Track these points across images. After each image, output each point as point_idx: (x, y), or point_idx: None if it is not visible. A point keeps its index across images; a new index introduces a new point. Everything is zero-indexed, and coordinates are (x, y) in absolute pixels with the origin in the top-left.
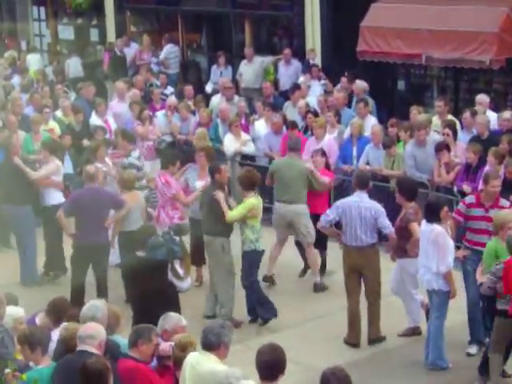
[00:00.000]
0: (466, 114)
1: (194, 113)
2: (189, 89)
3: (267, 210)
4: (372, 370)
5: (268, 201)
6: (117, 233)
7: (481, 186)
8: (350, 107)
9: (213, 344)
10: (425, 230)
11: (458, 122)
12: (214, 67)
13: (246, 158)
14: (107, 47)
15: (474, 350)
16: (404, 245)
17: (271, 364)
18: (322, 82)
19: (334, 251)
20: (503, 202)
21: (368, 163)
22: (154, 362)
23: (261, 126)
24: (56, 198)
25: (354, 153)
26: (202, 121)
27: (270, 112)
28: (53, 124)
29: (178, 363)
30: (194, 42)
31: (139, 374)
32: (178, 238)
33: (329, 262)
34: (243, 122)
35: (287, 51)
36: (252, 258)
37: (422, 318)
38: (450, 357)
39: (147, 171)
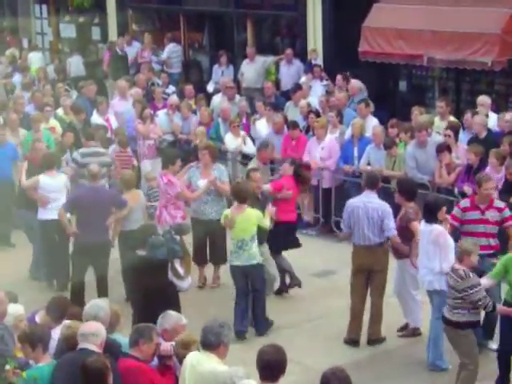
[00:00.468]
0: (468, 116)
1: (195, 112)
2: (189, 88)
3: None
4: (372, 370)
5: None
6: (117, 232)
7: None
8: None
9: (212, 344)
10: (424, 231)
11: (460, 124)
12: (216, 67)
13: (247, 158)
14: (108, 46)
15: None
16: (407, 244)
17: (272, 364)
18: (324, 82)
19: (335, 252)
20: (498, 202)
21: (369, 164)
22: (155, 362)
23: (262, 126)
24: (48, 213)
25: (355, 153)
26: (203, 120)
27: (271, 112)
28: (54, 122)
29: (182, 361)
30: (195, 41)
31: (141, 373)
32: (178, 238)
33: (329, 262)
34: (244, 121)
35: (289, 51)
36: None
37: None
38: (450, 358)
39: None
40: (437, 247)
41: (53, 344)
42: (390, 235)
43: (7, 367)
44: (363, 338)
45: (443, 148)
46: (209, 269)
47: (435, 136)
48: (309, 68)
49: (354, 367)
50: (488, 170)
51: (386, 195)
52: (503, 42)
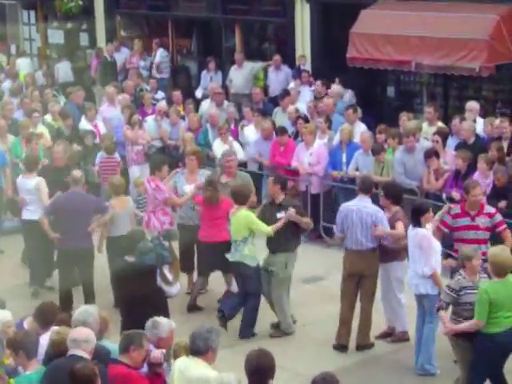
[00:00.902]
0: (456, 121)
1: (183, 118)
2: (177, 94)
3: None
4: (362, 376)
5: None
6: (104, 238)
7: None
8: None
9: (200, 349)
10: (410, 234)
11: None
12: (204, 72)
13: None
14: (96, 52)
15: None
16: (392, 249)
17: (261, 369)
18: (313, 87)
19: (324, 257)
20: (488, 208)
21: (357, 169)
22: (145, 368)
23: (250, 132)
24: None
25: (344, 159)
26: (192, 126)
27: (259, 118)
28: (42, 128)
29: None
30: (184, 47)
31: (131, 380)
32: (167, 243)
33: (318, 267)
34: (233, 127)
35: (277, 57)
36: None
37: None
38: (438, 363)
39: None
40: (421, 251)
41: (41, 351)
42: (386, 243)
43: None
44: (352, 344)
45: (431, 154)
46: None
47: (423, 142)
48: (297, 74)
49: (343, 373)
50: (476, 175)
51: (374, 201)
52: (491, 48)
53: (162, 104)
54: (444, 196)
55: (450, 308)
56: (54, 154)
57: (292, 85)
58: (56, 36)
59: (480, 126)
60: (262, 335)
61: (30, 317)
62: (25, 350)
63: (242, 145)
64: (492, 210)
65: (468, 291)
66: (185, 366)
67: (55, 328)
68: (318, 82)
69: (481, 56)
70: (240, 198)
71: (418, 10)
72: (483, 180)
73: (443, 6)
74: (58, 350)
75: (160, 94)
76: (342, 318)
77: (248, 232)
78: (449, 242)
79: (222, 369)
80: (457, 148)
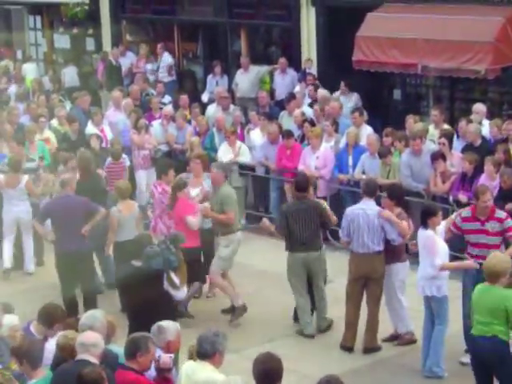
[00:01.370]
0: (462, 124)
1: (189, 122)
2: (184, 98)
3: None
4: (369, 378)
5: (263, 210)
6: (112, 242)
7: None
8: None
9: (208, 353)
10: (419, 236)
11: (454, 132)
12: (210, 77)
13: (244, 168)
14: (101, 56)
15: (467, 359)
16: (394, 250)
17: (269, 372)
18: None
19: (331, 261)
20: (499, 213)
21: (364, 172)
22: (153, 372)
23: (256, 136)
24: None
25: (350, 162)
26: (200, 129)
27: (265, 121)
28: (48, 133)
29: None
30: (189, 51)
31: None
32: (173, 248)
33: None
34: (239, 131)
35: (283, 60)
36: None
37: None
38: (445, 366)
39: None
40: (426, 251)
41: (48, 355)
42: (395, 237)
43: None
44: (360, 347)
45: (438, 156)
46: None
47: (429, 144)
48: (303, 77)
49: (351, 375)
50: (483, 177)
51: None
52: (496, 51)
53: (169, 108)
54: (451, 199)
55: None
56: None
57: (298, 88)
58: (62, 41)
59: (487, 128)
60: (270, 338)
61: (36, 320)
62: (29, 360)
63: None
64: (503, 215)
65: None
66: (192, 369)
67: (63, 332)
68: (311, 87)
69: (486, 58)
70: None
71: (423, 13)
72: (490, 182)
73: (449, 9)
74: (66, 355)
75: (167, 98)
76: (347, 321)
77: None
78: (457, 246)
79: (229, 373)
80: (463, 150)
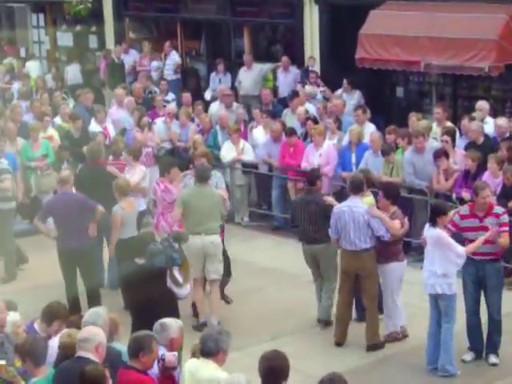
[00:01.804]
0: (465, 121)
1: (192, 120)
2: (187, 96)
3: (267, 217)
4: (373, 376)
5: (266, 207)
6: (115, 239)
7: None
8: None
9: (211, 351)
10: (427, 234)
11: (456, 129)
12: (213, 74)
13: (247, 166)
14: (104, 54)
15: (468, 357)
16: (390, 249)
17: (275, 370)
18: (321, 89)
19: None
20: (497, 209)
21: None
22: (156, 370)
23: (259, 134)
24: None
25: (353, 159)
26: (204, 127)
27: (268, 119)
28: (52, 131)
29: None
30: (193, 49)
31: None
32: (176, 245)
33: None
34: (242, 129)
35: (285, 59)
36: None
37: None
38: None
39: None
40: (441, 248)
41: (51, 352)
42: (383, 234)
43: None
44: (363, 344)
45: (441, 154)
46: None
47: (432, 142)
48: (305, 75)
49: (354, 374)
50: (486, 175)
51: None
52: (500, 48)
53: (172, 106)
54: (454, 196)
55: None
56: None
57: (300, 86)
58: (65, 39)
59: (490, 125)
60: (273, 336)
61: (39, 318)
62: (32, 358)
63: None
64: (500, 210)
65: None
66: (195, 367)
67: (66, 331)
68: (299, 86)
69: (490, 56)
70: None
71: (426, 11)
72: (493, 180)
73: (452, 7)
74: (67, 353)
75: (170, 96)
76: (337, 317)
77: None
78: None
79: (233, 371)
80: (466, 148)
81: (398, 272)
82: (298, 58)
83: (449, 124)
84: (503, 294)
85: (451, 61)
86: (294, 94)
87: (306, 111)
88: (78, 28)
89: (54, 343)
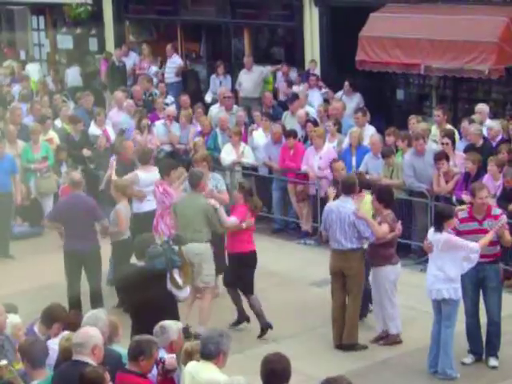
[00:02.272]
0: (465, 124)
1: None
2: (184, 99)
3: (267, 219)
4: (372, 379)
5: (266, 210)
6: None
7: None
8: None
9: (212, 353)
10: (433, 239)
11: (456, 132)
12: (213, 77)
13: (248, 168)
14: (104, 56)
15: (468, 359)
16: (382, 253)
17: (277, 373)
18: (323, 90)
19: None
20: (495, 210)
21: (367, 172)
22: (154, 372)
23: (259, 136)
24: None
25: (353, 162)
26: (204, 129)
27: (267, 122)
28: (52, 133)
29: None
30: (193, 51)
31: None
32: (176, 248)
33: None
34: (242, 131)
35: (285, 68)
36: None
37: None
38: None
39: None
40: (447, 254)
41: (51, 354)
42: (368, 235)
43: (2, 362)
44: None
45: (441, 156)
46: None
47: (431, 144)
48: (306, 78)
49: (354, 376)
50: (486, 177)
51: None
52: (500, 51)
53: (171, 108)
54: (454, 199)
55: None
56: (123, 149)
57: (301, 88)
58: (65, 41)
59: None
60: (274, 339)
61: (39, 320)
62: (29, 360)
63: (251, 149)
64: (498, 211)
65: None
66: (195, 370)
67: (65, 334)
68: (284, 85)
69: (490, 58)
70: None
71: (426, 13)
72: (493, 182)
73: (452, 9)
74: (64, 356)
75: (169, 99)
76: (332, 318)
77: None
78: None
79: (233, 373)
80: (465, 150)
81: (391, 275)
82: (298, 60)
83: (448, 126)
84: (503, 296)
85: (451, 63)
86: (295, 96)
87: (307, 114)
88: (78, 31)
89: (53, 345)
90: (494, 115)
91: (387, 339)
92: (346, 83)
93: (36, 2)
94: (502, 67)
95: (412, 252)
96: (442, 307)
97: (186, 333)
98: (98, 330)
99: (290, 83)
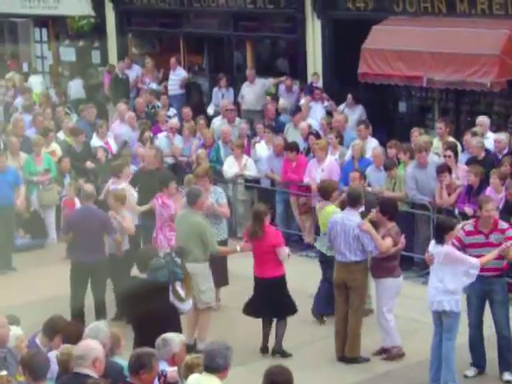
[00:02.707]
0: (467, 136)
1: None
2: (186, 111)
3: None
4: None
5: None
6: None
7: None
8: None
9: (220, 367)
10: (434, 252)
11: (458, 144)
12: (216, 89)
13: (250, 180)
14: (108, 69)
15: (471, 372)
16: (385, 265)
17: None
18: (326, 103)
19: None
20: (502, 225)
21: (369, 185)
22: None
23: (262, 148)
24: None
25: None
26: (207, 142)
27: (270, 134)
28: (54, 146)
29: None
30: (195, 64)
31: None
32: (179, 260)
33: None
34: (245, 144)
35: (288, 82)
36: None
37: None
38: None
39: None
40: (448, 267)
41: (53, 367)
42: (371, 249)
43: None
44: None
45: (444, 169)
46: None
47: (433, 157)
48: (309, 90)
49: None
50: (489, 190)
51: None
52: (502, 63)
53: (174, 121)
54: (456, 211)
55: None
56: (146, 158)
57: (303, 101)
58: (68, 54)
59: (491, 141)
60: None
61: (41, 332)
62: (30, 372)
63: (254, 161)
64: (505, 225)
65: None
66: (198, 383)
67: (64, 346)
68: (268, 97)
69: (492, 71)
70: (326, 193)
71: (429, 26)
72: (496, 195)
73: (454, 22)
74: (65, 369)
75: (172, 111)
76: (335, 330)
77: None
78: None
79: None
80: (467, 163)
81: (393, 288)
82: (300, 73)
83: (450, 139)
84: (510, 309)
85: (453, 76)
86: (297, 108)
87: (310, 126)
88: (81, 43)
89: (55, 357)
90: (496, 128)
91: (390, 353)
92: (349, 96)
93: (39, 14)
94: (503, 80)
95: (414, 265)
96: (442, 319)
97: (192, 350)
98: (99, 343)
99: (276, 98)
